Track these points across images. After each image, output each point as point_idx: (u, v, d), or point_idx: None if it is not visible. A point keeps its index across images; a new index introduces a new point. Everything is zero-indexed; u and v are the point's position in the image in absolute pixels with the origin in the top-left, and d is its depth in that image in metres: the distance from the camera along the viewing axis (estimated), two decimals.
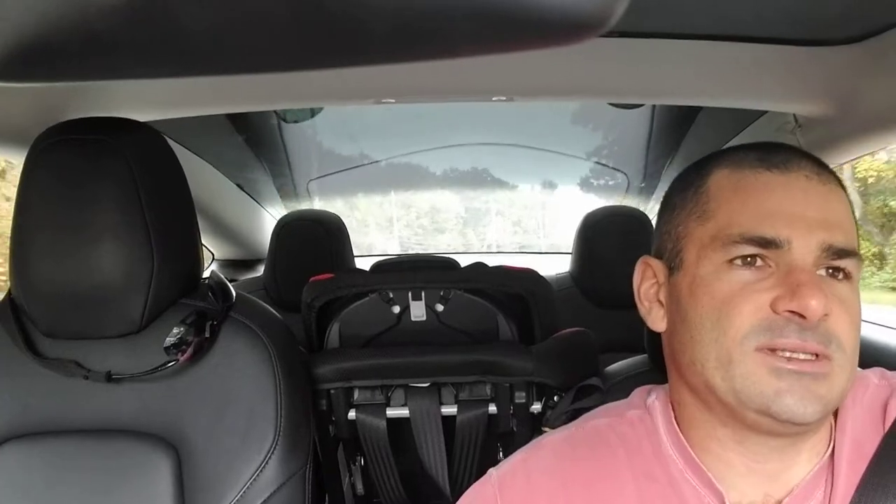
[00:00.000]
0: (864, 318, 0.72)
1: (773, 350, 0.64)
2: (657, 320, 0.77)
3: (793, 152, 0.70)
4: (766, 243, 0.66)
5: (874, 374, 0.75)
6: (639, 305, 0.78)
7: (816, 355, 0.64)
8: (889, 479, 0.67)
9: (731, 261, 0.67)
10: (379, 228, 3.86)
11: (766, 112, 1.69)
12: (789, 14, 1.15)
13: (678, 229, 0.73)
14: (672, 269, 0.74)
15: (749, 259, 0.67)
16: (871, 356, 0.72)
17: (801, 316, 0.63)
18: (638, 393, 0.83)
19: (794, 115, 1.51)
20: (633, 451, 0.74)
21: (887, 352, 1.50)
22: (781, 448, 0.69)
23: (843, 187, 0.71)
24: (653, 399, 0.79)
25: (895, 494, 0.66)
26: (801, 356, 0.64)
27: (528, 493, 0.75)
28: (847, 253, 0.66)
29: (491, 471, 0.79)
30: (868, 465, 0.68)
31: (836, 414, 0.71)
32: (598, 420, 0.79)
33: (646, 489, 0.72)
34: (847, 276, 0.67)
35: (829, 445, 0.71)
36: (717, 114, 1.87)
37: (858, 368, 0.71)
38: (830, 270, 0.67)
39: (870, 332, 1.58)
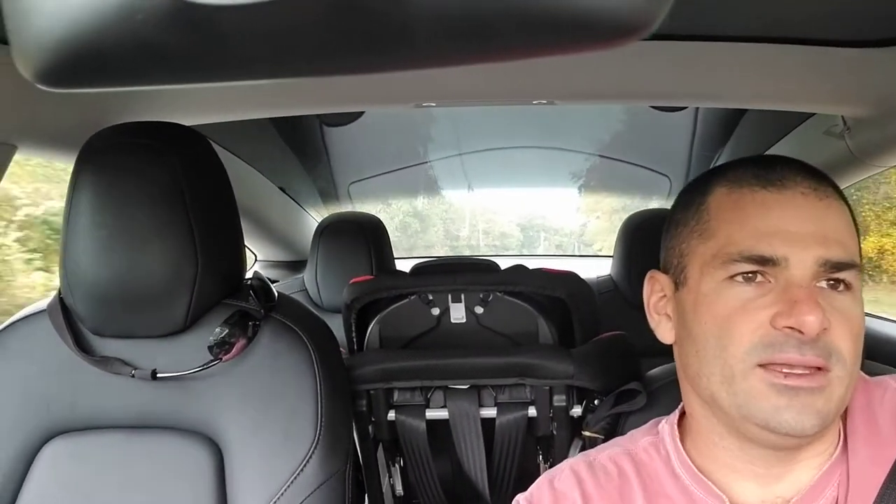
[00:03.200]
0: None
1: (773, 365, 0.66)
2: (665, 332, 0.80)
3: (789, 167, 0.72)
4: (765, 261, 0.68)
5: (893, 380, 0.77)
6: (649, 318, 0.82)
7: (817, 368, 0.65)
8: None
9: (731, 277, 0.69)
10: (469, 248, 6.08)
11: (813, 114, 1.66)
12: (836, 15, 1.12)
13: (682, 246, 0.76)
14: (678, 284, 0.76)
15: (749, 275, 0.69)
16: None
17: (800, 331, 0.65)
18: (651, 422, 0.86)
19: (843, 117, 1.48)
20: (647, 475, 0.78)
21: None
22: (784, 455, 0.71)
23: (843, 199, 0.72)
24: (662, 423, 0.83)
25: None
26: (799, 371, 0.65)
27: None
28: (845, 265, 0.68)
29: (518, 496, 0.83)
30: (894, 463, 0.69)
31: (844, 417, 0.73)
32: (614, 449, 0.83)
33: None
34: (847, 286, 0.69)
35: (836, 446, 0.72)
36: (762, 115, 1.84)
37: (876, 376, 0.75)
38: (831, 282, 0.68)
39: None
